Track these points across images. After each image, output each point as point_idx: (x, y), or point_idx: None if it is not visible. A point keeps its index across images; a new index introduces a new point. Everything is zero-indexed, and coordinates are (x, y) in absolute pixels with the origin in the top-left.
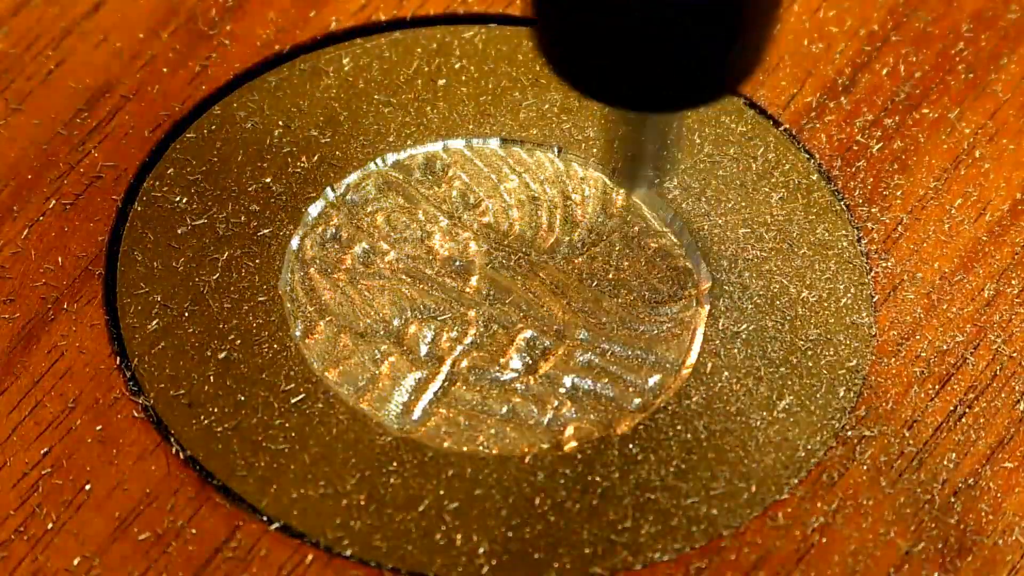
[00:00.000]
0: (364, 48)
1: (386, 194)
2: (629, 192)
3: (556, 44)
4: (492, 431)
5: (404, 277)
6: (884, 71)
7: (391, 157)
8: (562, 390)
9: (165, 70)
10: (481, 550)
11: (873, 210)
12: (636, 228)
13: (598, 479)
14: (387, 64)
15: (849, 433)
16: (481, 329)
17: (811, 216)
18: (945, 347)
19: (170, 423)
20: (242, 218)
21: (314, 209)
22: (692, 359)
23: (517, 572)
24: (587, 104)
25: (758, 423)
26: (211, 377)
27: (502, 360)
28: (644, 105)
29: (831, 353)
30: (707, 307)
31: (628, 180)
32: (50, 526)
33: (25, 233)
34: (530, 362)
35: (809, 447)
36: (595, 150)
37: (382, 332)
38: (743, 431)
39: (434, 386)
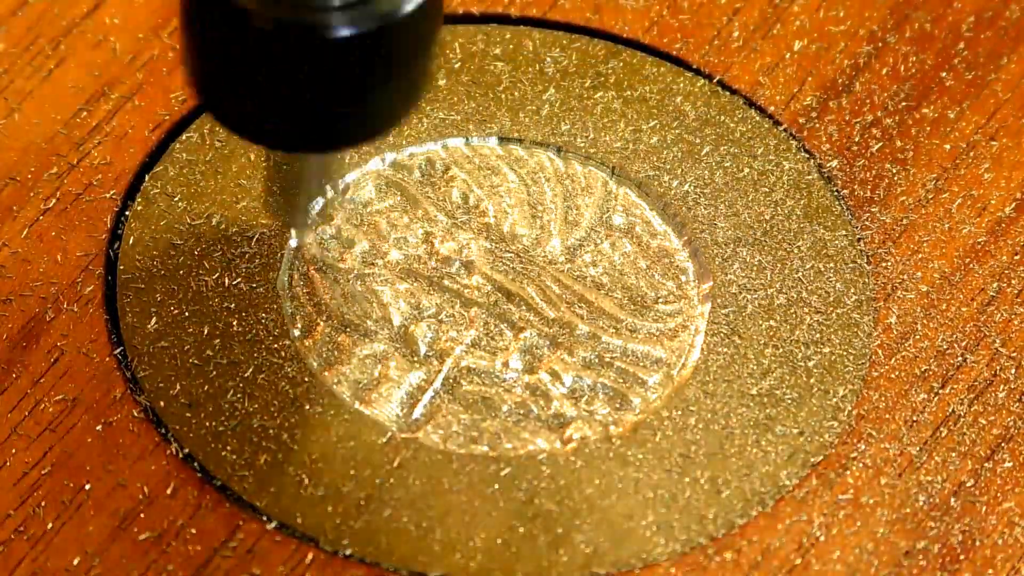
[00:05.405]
0: None
1: (386, 194)
2: (295, 231)
3: (211, 88)
4: (492, 431)
5: (404, 277)
6: (884, 71)
7: (391, 157)
8: (562, 389)
9: (165, 70)
10: (481, 550)
11: (873, 210)
12: (636, 228)
13: (598, 478)
14: None
15: (849, 433)
16: (481, 329)
17: (811, 216)
18: (945, 347)
19: (170, 423)
20: (242, 218)
21: (314, 209)
22: (692, 358)
23: (517, 572)
24: (587, 104)
25: (758, 422)
26: (211, 377)
27: (502, 360)
28: (296, 146)
29: (831, 353)
30: (707, 307)
31: (288, 217)
32: (50, 526)
33: (25, 233)
34: (530, 361)
35: (809, 447)
36: (594, 150)
37: (382, 332)
38: (743, 430)
39: (434, 386)
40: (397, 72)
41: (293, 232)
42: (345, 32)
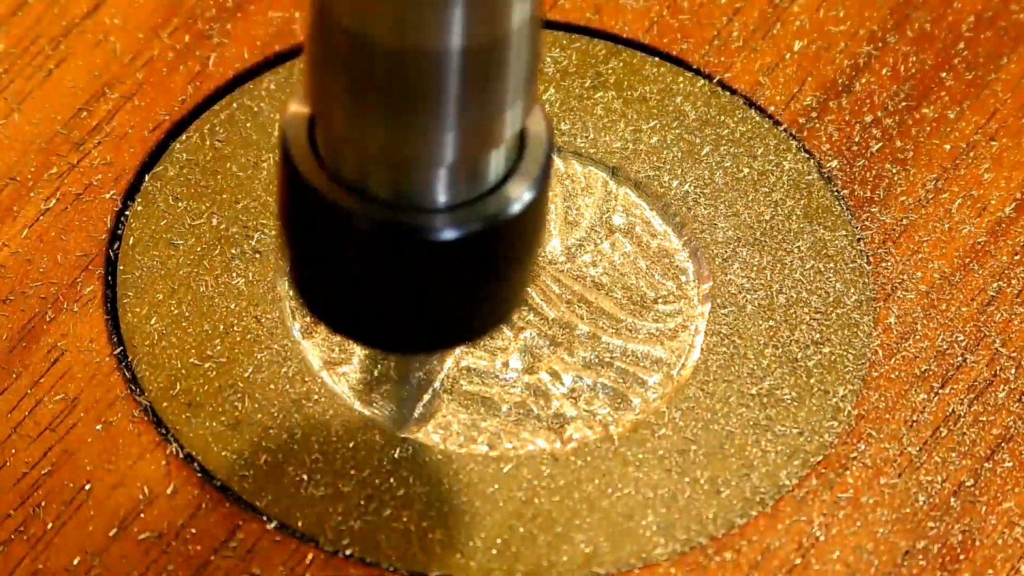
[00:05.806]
0: None
1: None
2: (394, 428)
3: (313, 289)
4: (492, 431)
5: None
6: (884, 71)
7: None
8: (562, 389)
9: (165, 70)
10: (481, 550)
11: (873, 210)
12: (636, 228)
13: (598, 478)
14: None
15: (849, 433)
16: None
17: (811, 216)
18: (945, 347)
19: (170, 423)
20: (242, 218)
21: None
22: (692, 359)
23: (517, 572)
24: (587, 104)
25: (758, 422)
26: (211, 377)
27: (502, 359)
28: (402, 347)
29: (831, 353)
30: (707, 307)
31: (391, 417)
32: (50, 526)
33: (25, 233)
34: (530, 361)
35: (809, 447)
36: (594, 150)
37: None
38: (743, 430)
39: (434, 386)
40: (504, 271)
41: (396, 427)
42: (450, 235)
